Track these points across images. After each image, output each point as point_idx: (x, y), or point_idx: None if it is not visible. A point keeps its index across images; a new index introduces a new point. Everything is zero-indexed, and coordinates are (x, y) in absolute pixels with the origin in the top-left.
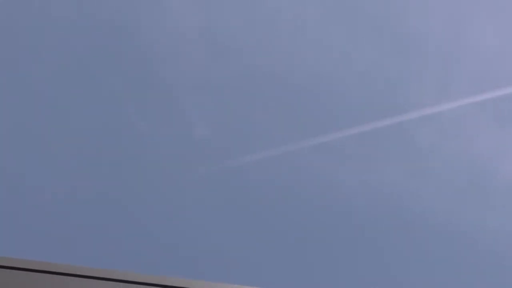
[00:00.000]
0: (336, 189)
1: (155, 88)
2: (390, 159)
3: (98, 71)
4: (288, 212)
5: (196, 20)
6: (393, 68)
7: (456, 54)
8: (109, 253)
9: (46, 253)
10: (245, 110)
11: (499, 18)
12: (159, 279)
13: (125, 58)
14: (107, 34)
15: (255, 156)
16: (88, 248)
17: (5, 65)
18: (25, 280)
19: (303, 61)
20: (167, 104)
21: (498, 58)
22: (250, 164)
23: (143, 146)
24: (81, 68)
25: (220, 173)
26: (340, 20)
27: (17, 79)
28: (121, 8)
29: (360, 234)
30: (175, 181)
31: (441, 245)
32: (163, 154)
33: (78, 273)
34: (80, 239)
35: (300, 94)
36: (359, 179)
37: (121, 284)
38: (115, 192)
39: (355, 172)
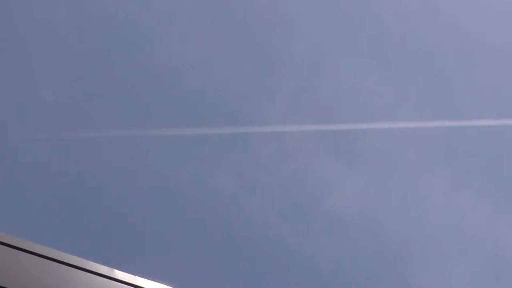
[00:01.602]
0: (165, 183)
1: (10, 43)
2: (225, 166)
3: None
4: (108, 196)
5: None
6: (251, 80)
7: (313, 84)
8: None
9: None
10: (98, 87)
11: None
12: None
13: None
14: None
15: (92, 133)
16: None
17: None
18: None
19: (166, 53)
20: (19, 60)
21: (351, 96)
22: (85, 139)
23: None
24: None
25: (54, 142)
26: (209, 22)
27: None
28: None
29: (180, 231)
30: (6, 139)
31: (250, 260)
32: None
33: None
34: None
35: (156, 84)
36: (191, 178)
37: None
38: None
39: (188, 171)
